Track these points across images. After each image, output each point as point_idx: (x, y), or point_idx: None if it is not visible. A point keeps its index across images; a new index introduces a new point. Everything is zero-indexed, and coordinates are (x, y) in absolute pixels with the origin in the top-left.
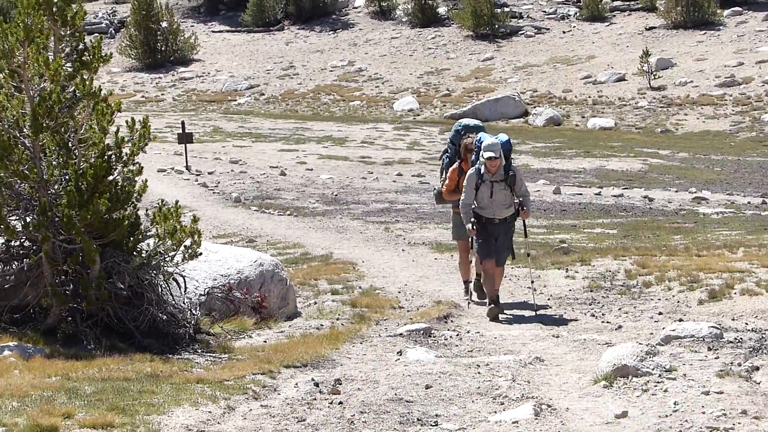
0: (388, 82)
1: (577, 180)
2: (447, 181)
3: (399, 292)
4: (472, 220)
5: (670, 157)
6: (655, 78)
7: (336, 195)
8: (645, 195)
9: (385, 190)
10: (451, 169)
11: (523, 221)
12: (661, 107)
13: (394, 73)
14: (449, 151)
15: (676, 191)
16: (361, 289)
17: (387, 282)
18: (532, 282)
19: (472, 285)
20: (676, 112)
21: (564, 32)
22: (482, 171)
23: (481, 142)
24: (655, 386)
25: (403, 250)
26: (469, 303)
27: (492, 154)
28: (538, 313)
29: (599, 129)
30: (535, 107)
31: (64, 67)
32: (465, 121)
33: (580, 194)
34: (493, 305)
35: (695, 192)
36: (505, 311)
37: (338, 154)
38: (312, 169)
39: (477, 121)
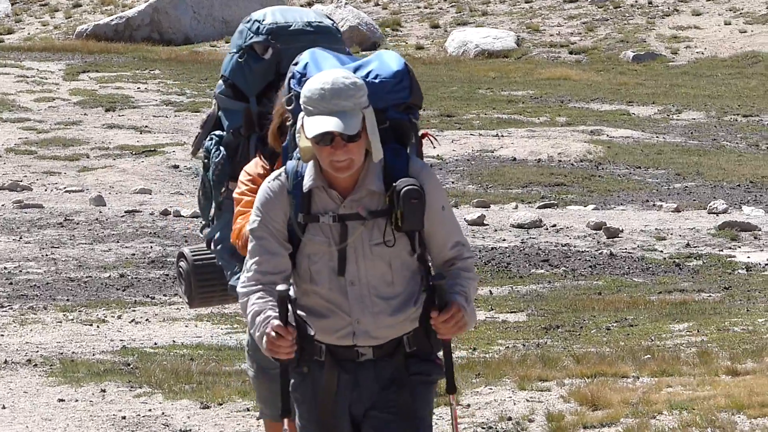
0: None
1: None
2: (236, 227)
3: None
4: (272, 317)
5: (658, 125)
6: None
7: None
8: (598, 222)
9: None
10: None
11: (444, 345)
12: None
13: None
14: (223, 123)
15: (676, 210)
16: None
17: None
18: None
19: None
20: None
21: None
22: (307, 179)
23: (304, 77)
24: None
25: None
26: None
27: (335, 125)
28: None
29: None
30: None
31: None
32: (265, 13)
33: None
34: None
35: (725, 210)
36: None
37: None
38: None
39: (310, 13)
